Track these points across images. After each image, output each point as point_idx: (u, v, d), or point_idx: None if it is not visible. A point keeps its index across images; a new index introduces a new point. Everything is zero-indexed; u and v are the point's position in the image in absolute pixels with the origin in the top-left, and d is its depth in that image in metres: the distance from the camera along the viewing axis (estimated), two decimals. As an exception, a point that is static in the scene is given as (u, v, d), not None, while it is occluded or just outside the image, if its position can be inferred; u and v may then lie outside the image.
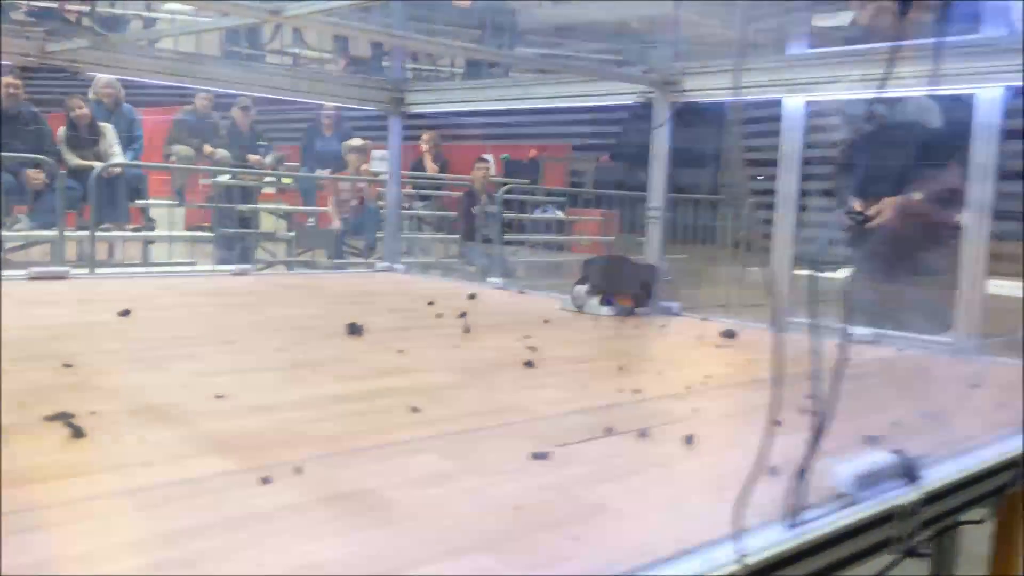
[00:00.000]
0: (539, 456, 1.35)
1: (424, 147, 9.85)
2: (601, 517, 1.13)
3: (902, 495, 1.24)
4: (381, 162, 9.87)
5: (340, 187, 8.10)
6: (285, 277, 4.99)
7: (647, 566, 0.97)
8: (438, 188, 9.18)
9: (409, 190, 8.73)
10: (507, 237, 8.19)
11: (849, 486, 1.20)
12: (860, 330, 2.66)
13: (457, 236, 8.62)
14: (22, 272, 3.48)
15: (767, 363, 2.38)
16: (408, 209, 8.32)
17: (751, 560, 0.98)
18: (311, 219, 8.33)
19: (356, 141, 8.32)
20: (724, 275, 7.36)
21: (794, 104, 2.83)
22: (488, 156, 9.73)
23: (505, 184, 8.77)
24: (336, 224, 7.86)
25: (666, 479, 1.32)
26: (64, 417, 1.41)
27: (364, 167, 8.43)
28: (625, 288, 2.99)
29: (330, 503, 1.13)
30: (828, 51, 2.77)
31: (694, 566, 0.97)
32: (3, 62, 5.59)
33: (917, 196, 3.09)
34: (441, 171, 9.96)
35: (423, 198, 9.18)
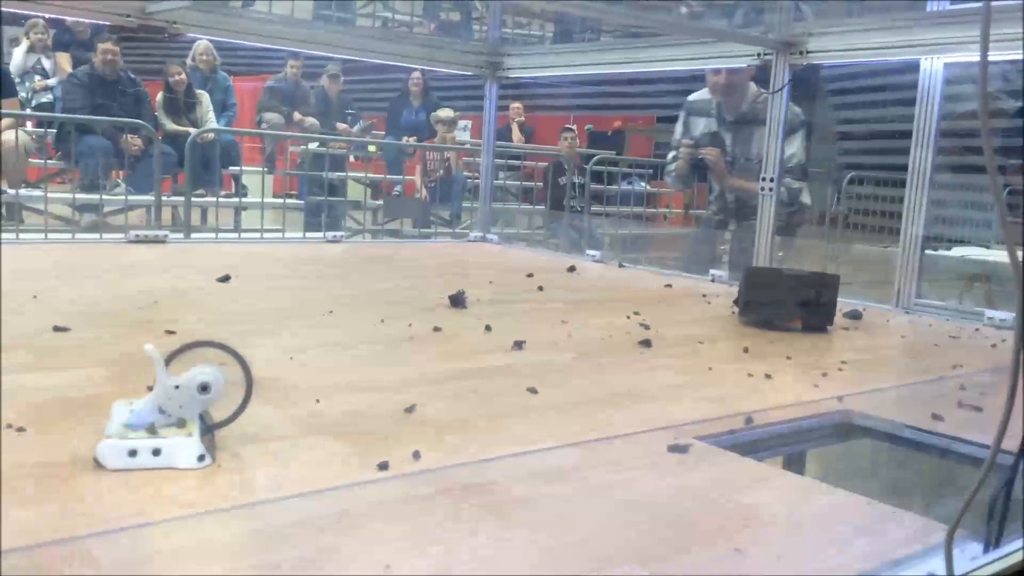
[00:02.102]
0: (677, 449, 1.22)
1: (512, 116, 9.72)
2: (759, 526, 0.99)
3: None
4: (464, 132, 9.79)
5: (427, 156, 8.03)
6: (375, 246, 4.94)
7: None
8: (522, 158, 9.04)
9: (496, 160, 8.60)
10: (593, 208, 8.00)
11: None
12: (1002, 314, 2.44)
13: (542, 207, 8.48)
14: (121, 236, 3.49)
15: (902, 348, 2.21)
16: (496, 179, 8.21)
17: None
18: (398, 188, 8.29)
19: (445, 112, 8.23)
20: (825, 252, 7.05)
21: (932, 67, 2.59)
22: (572, 126, 9.54)
23: (592, 155, 8.57)
24: (423, 194, 7.80)
25: (825, 483, 1.17)
26: (169, 389, 1.34)
27: (450, 136, 8.34)
28: (787, 312, 2.26)
29: (452, 497, 1.02)
30: (973, 7, 2.52)
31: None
32: (101, 23, 5.65)
33: None
34: (526, 141, 9.82)
35: (509, 168, 9.06)
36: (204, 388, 1.08)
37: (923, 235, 2.69)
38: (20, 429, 1.14)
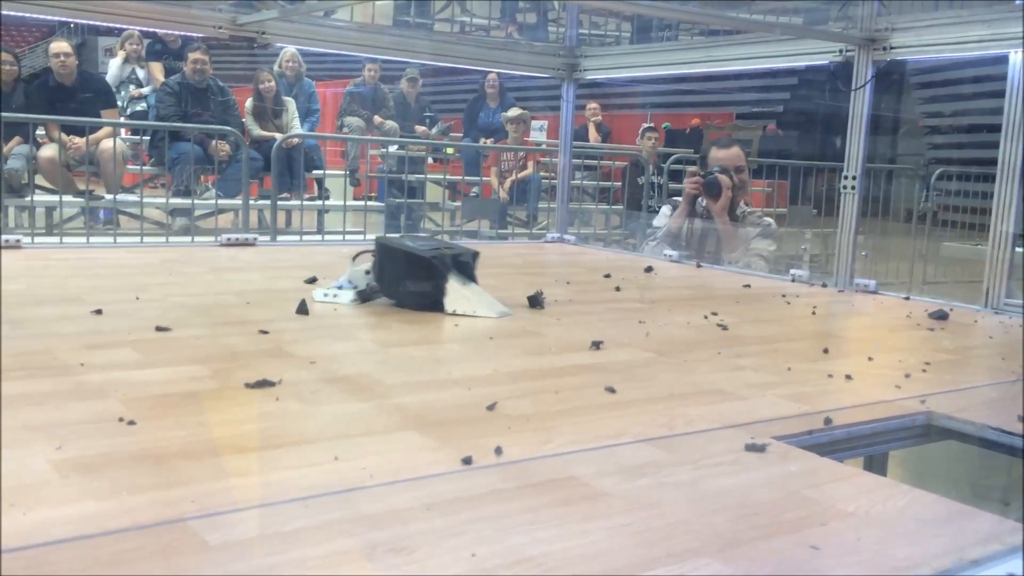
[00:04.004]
0: (754, 448, 1.24)
1: (588, 116, 9.71)
2: (838, 522, 1.00)
3: None
4: (540, 132, 9.82)
5: (502, 157, 8.09)
6: (454, 246, 5.01)
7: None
8: (598, 158, 9.03)
9: (572, 160, 8.61)
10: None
11: None
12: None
13: (619, 207, 8.45)
14: (212, 239, 3.65)
15: (988, 349, 2.16)
16: (572, 179, 8.21)
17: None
18: (475, 189, 8.39)
19: (513, 111, 8.27)
20: (913, 250, 6.85)
21: (1021, 60, 2.52)
22: (653, 125, 9.49)
23: (669, 154, 8.51)
24: (503, 195, 7.87)
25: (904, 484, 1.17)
26: (265, 385, 1.42)
27: (526, 137, 8.39)
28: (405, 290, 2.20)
29: (535, 490, 1.06)
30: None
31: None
32: (194, 35, 5.88)
33: None
34: (603, 141, 9.80)
35: (586, 168, 9.07)
36: (367, 272, 2.25)
37: (1013, 232, 2.61)
38: (131, 422, 1.22)
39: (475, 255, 2.31)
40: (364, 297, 2.24)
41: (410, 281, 2.18)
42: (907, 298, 2.81)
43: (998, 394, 1.64)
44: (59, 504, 0.95)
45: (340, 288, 2.28)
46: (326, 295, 2.25)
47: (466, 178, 8.15)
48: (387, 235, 2.43)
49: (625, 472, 1.13)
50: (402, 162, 7.45)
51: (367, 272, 2.25)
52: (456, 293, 2.16)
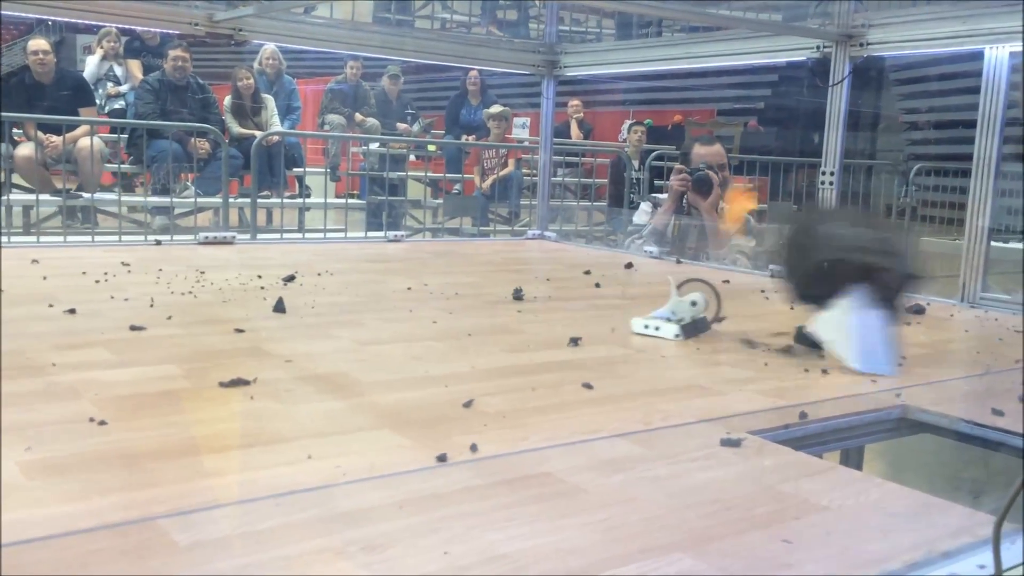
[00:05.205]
0: (729, 443, 1.24)
1: (570, 113, 9.71)
2: (811, 516, 1.01)
3: None
4: (523, 129, 9.82)
5: (484, 155, 8.08)
6: (435, 244, 5.01)
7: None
8: (580, 154, 9.04)
9: (554, 157, 8.60)
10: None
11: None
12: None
13: (602, 203, 8.46)
14: (191, 237, 3.62)
15: (964, 342, 2.17)
16: (553, 176, 8.20)
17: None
18: (457, 187, 8.37)
19: (494, 108, 8.26)
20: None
21: (996, 56, 2.54)
22: (637, 120, 9.51)
23: (651, 150, 8.53)
24: (485, 190, 7.86)
25: (880, 479, 1.18)
26: (240, 383, 1.41)
27: (508, 136, 8.38)
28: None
29: (510, 486, 1.06)
30: (1040, -5, 2.46)
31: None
32: (173, 33, 5.83)
33: None
34: (585, 138, 9.80)
35: (567, 165, 9.07)
36: (693, 303, 2.01)
37: (989, 227, 2.64)
38: (102, 422, 1.21)
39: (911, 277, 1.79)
40: (689, 332, 1.96)
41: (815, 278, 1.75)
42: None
43: (972, 387, 1.66)
44: (27, 505, 0.94)
45: (664, 320, 1.98)
46: (647, 327, 1.98)
47: (448, 175, 8.13)
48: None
49: (601, 467, 1.13)
50: (383, 160, 7.42)
51: (693, 304, 1.99)
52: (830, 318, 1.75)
